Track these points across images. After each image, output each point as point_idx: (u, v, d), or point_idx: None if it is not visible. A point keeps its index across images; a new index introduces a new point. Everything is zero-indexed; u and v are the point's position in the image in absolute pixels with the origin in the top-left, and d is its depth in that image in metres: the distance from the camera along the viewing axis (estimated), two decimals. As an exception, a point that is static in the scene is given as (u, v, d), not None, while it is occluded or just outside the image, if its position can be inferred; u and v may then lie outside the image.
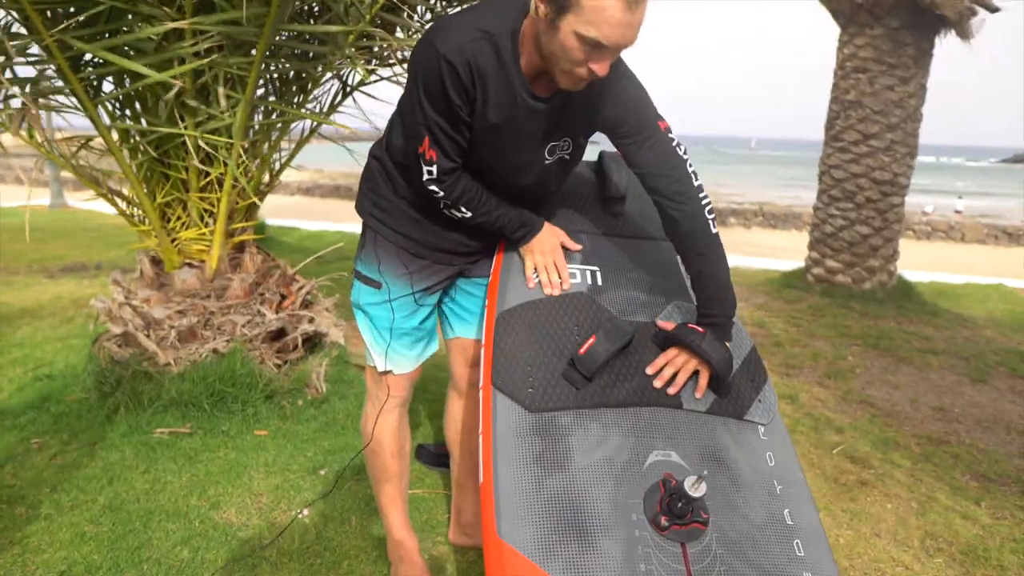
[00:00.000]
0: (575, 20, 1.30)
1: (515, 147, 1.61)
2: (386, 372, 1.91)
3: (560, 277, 1.76)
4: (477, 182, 1.67)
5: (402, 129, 1.69)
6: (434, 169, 1.58)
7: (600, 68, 1.36)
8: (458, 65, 1.42)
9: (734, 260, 9.47)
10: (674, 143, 1.60)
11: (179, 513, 2.38)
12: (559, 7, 1.31)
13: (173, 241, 3.33)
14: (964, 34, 5.41)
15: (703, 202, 1.62)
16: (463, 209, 1.66)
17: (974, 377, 4.18)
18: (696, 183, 1.61)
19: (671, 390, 1.61)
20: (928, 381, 4.09)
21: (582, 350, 1.58)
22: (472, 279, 1.94)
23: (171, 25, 2.46)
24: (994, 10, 5.25)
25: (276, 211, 12.20)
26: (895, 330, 4.89)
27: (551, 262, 1.76)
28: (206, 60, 2.70)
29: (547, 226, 1.79)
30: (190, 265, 3.39)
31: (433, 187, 1.62)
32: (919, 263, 8.99)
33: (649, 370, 1.62)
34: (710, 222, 1.64)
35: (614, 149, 1.71)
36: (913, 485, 2.86)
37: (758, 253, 10.81)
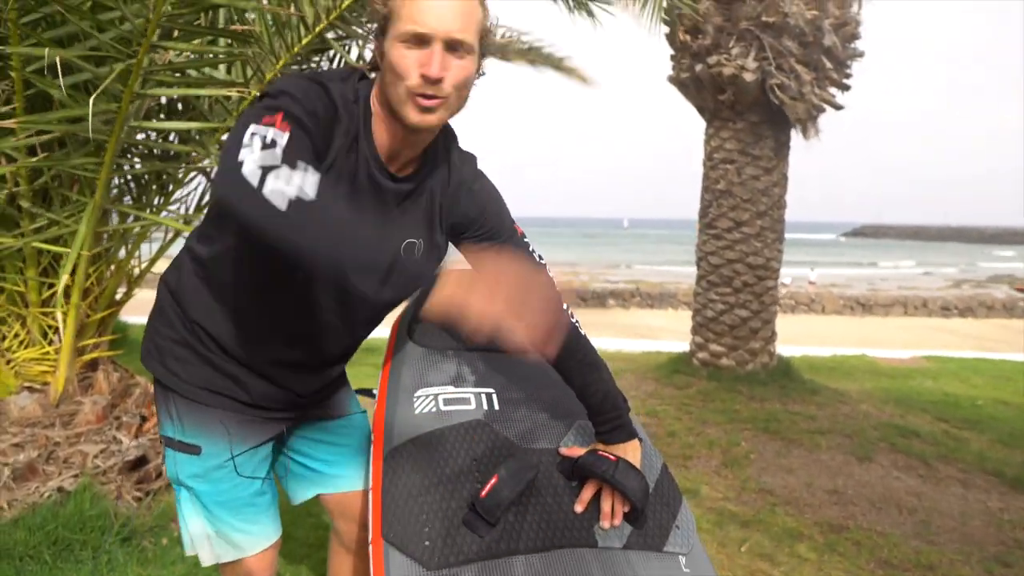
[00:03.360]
0: (395, 27, 1.20)
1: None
2: (236, 562, 1.53)
3: None
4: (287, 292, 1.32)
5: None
6: (283, 141, 1.06)
7: (431, 67, 1.18)
8: (335, 97, 1.23)
9: (617, 343, 9.62)
10: (530, 248, 1.50)
11: None
12: (382, 28, 1.24)
13: (8, 363, 2.91)
14: (808, 133, 5.80)
15: (567, 308, 1.50)
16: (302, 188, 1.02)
17: (860, 455, 4.28)
18: (556, 291, 1.44)
19: (616, 522, 1.46)
20: (819, 463, 4.15)
21: (484, 492, 1.40)
22: (320, 423, 1.64)
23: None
24: (838, 108, 5.71)
25: (142, 307, 11.36)
26: (781, 412, 5.00)
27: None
28: (39, 159, 2.40)
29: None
30: (30, 389, 2.96)
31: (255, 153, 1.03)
32: (789, 337, 9.44)
33: (578, 507, 1.47)
34: (577, 325, 1.53)
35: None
36: (823, 580, 2.81)
37: (639, 334, 11.06)
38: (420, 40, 1.19)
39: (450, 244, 1.49)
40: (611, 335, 10.66)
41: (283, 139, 1.07)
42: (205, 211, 1.45)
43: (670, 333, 10.16)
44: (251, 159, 1.02)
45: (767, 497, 3.66)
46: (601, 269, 32.47)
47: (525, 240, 1.50)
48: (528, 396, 1.71)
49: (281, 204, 0.98)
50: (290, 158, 1.04)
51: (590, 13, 4.03)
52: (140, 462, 3.04)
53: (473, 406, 1.65)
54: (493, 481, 1.41)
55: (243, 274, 1.36)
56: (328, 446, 1.66)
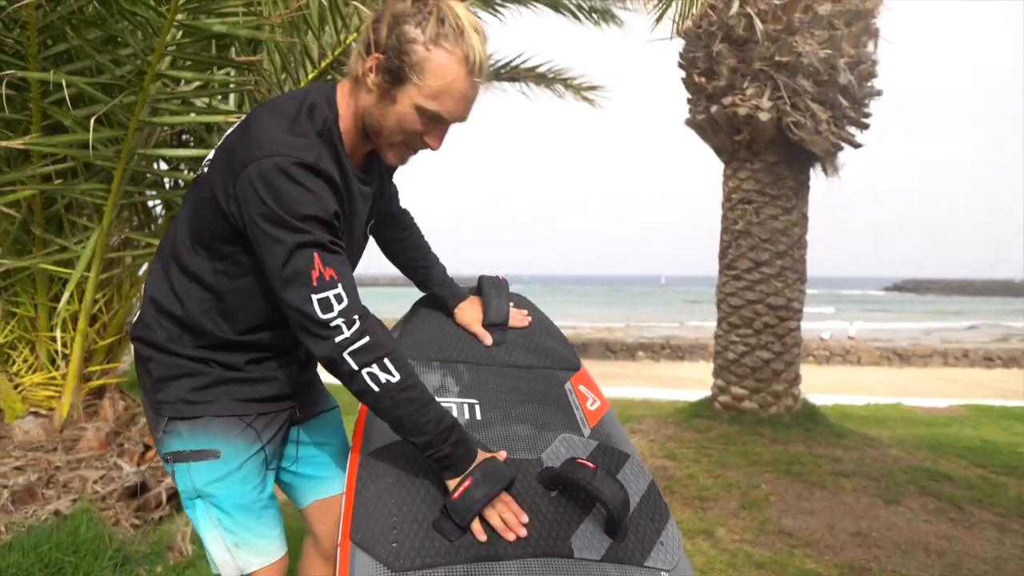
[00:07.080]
0: (416, 93, 1.23)
1: (351, 245, 1.43)
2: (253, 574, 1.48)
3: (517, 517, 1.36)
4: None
5: (232, 269, 1.35)
6: (342, 294, 1.21)
7: (435, 141, 1.30)
8: (325, 168, 1.24)
9: (643, 392, 9.46)
10: None
11: None
12: (396, 77, 1.23)
13: (16, 387, 2.95)
14: (829, 170, 5.78)
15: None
16: (391, 369, 1.25)
17: (887, 498, 4.09)
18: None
19: None
20: (843, 505, 3.97)
21: (456, 495, 1.36)
22: (309, 423, 1.64)
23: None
24: (857, 146, 5.66)
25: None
26: (805, 454, 4.82)
27: (508, 505, 1.37)
28: (49, 185, 2.48)
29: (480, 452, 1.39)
30: (36, 414, 2.99)
31: (346, 334, 1.22)
32: (821, 387, 9.20)
33: None
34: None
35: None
36: (840, 622, 2.65)
37: (665, 385, 10.89)
38: (438, 121, 1.27)
39: None
40: (638, 385, 10.50)
41: (343, 295, 1.22)
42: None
43: (699, 383, 9.96)
44: (341, 339, 1.22)
45: (786, 539, 3.50)
46: (634, 324, 32.23)
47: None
48: (512, 408, 1.68)
49: (375, 386, 1.25)
50: (370, 326, 1.25)
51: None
52: (141, 489, 3.03)
53: (455, 414, 1.62)
54: (466, 484, 1.36)
55: (255, 302, 1.39)
56: (311, 447, 1.65)
